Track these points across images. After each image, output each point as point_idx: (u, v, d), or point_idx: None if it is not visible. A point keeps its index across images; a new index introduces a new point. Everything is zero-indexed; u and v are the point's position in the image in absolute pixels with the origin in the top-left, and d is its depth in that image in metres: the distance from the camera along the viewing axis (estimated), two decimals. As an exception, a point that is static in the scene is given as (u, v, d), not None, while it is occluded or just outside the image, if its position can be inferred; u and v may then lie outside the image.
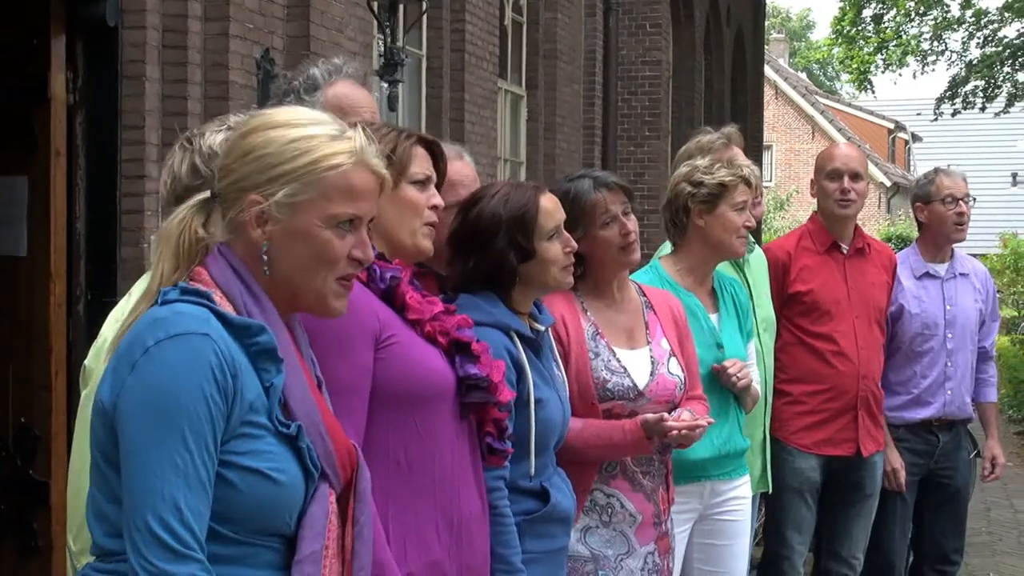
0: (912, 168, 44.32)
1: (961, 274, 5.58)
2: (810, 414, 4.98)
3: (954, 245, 5.59)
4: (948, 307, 5.47)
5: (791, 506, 4.99)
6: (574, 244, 3.29)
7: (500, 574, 2.88)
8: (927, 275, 5.51)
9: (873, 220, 37.84)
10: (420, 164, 2.81)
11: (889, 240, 30.19)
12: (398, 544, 2.60)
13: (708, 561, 4.12)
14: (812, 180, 5.23)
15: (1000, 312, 25.09)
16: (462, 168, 3.57)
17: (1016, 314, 28.65)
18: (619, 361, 3.63)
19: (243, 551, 2.02)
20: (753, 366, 4.36)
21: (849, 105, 44.15)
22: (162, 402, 1.94)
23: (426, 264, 3.42)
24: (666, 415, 3.53)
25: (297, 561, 2.05)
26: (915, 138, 44.30)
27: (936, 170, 5.73)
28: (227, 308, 2.07)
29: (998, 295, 22.75)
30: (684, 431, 3.51)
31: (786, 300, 5.02)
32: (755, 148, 19.42)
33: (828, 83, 55.62)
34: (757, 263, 4.83)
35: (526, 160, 11.36)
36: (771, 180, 37.31)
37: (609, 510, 3.60)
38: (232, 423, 1.99)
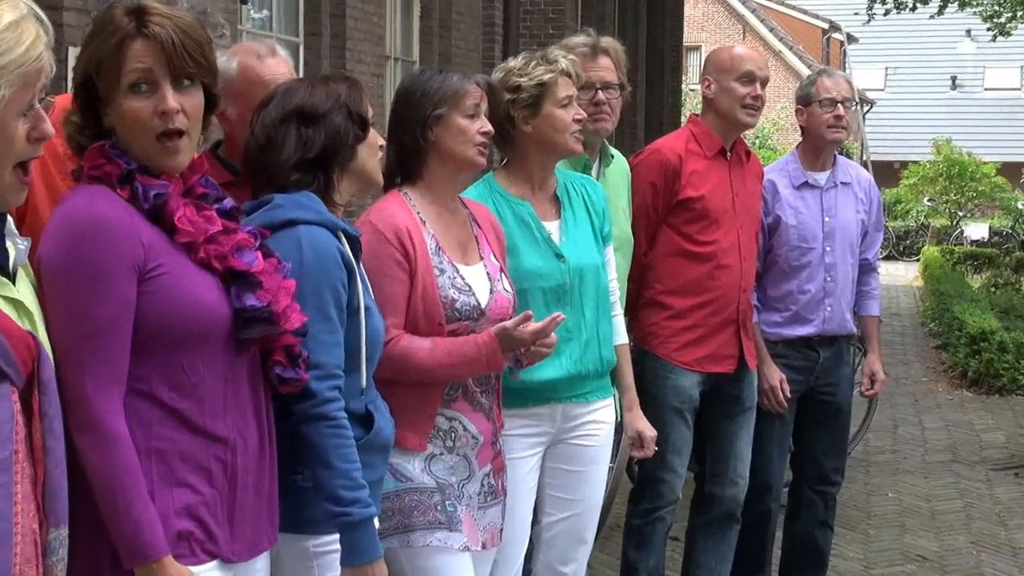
0: (848, 71, 44.49)
1: (843, 183, 5.54)
2: (692, 329, 4.96)
3: (857, 157, 5.59)
4: (827, 218, 5.45)
5: (673, 427, 4.96)
6: (382, 139, 3.26)
7: (343, 491, 2.86)
8: (806, 184, 5.48)
9: (805, 125, 38.06)
10: (133, 64, 2.55)
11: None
12: (163, 490, 2.53)
13: (562, 487, 4.13)
14: (707, 79, 5.08)
15: (931, 222, 25.37)
16: (275, 66, 3.48)
17: (948, 223, 29.07)
18: (463, 279, 3.60)
19: None
20: (612, 276, 4.31)
21: (782, 3, 44.11)
22: None
23: (241, 171, 3.34)
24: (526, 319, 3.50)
25: None
26: (851, 39, 44.34)
27: (820, 71, 5.72)
28: None
29: (930, 203, 22.98)
30: (542, 342, 3.52)
31: (674, 206, 4.96)
32: (674, 48, 19.35)
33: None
34: (615, 174, 4.75)
35: (419, 59, 11.21)
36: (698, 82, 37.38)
37: (452, 435, 3.58)
38: None
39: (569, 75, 4.06)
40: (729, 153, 5.08)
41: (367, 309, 3.09)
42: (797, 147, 5.66)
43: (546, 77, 4.02)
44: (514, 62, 4.12)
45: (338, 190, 3.14)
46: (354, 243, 3.12)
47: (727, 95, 5.03)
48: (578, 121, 4.04)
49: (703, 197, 4.95)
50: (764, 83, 5.06)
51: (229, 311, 2.60)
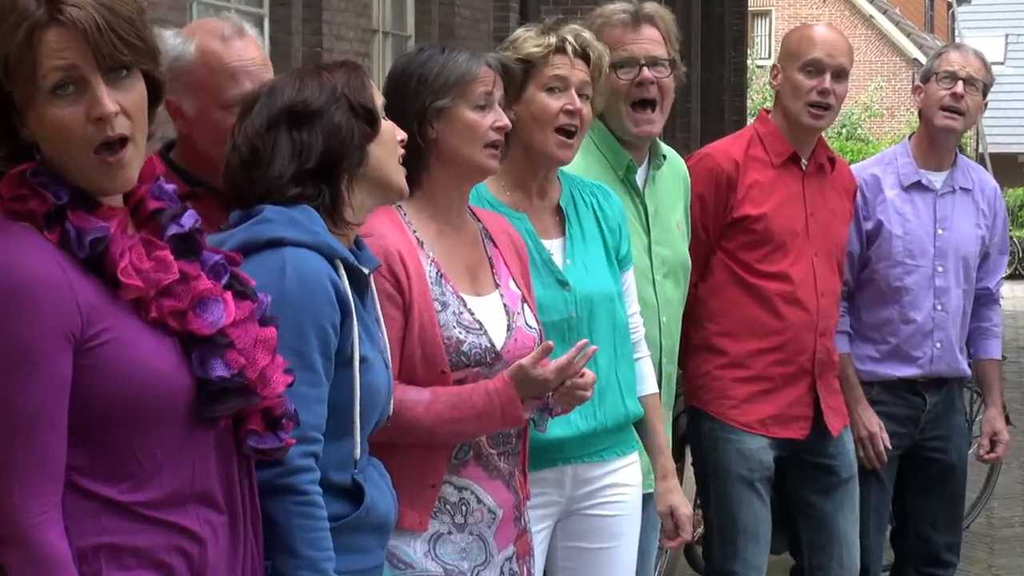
0: (958, 39, 44.48)
1: (962, 188, 5.56)
2: (753, 381, 4.96)
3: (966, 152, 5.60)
4: (940, 231, 5.46)
5: (743, 503, 4.95)
6: (402, 133, 3.28)
7: None
8: (917, 186, 5.50)
9: (905, 107, 38.01)
10: (51, 61, 2.44)
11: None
12: None
13: (581, 571, 4.11)
14: (776, 67, 5.16)
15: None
16: (244, 49, 3.49)
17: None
18: (472, 314, 3.61)
19: None
20: (634, 310, 4.27)
21: (874, -43, 44.20)
22: None
23: (203, 180, 3.36)
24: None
25: None
26: (960, 0, 44.43)
27: (950, 44, 5.74)
28: None
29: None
30: (576, 382, 3.50)
31: (728, 226, 4.97)
32: (737, 15, 19.39)
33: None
34: (668, 180, 4.69)
35: (415, 34, 11.25)
36: (769, 56, 37.33)
37: (463, 508, 3.60)
38: None
39: (571, 54, 4.00)
40: (805, 161, 5.09)
41: (363, 360, 3.08)
42: (911, 137, 5.67)
43: (533, 51, 3.99)
44: (519, 31, 4.15)
45: (349, 205, 3.14)
46: (357, 277, 3.12)
47: (790, 88, 5.05)
48: (568, 112, 3.97)
49: (765, 216, 4.96)
50: (838, 75, 5.04)
51: (191, 381, 2.55)
